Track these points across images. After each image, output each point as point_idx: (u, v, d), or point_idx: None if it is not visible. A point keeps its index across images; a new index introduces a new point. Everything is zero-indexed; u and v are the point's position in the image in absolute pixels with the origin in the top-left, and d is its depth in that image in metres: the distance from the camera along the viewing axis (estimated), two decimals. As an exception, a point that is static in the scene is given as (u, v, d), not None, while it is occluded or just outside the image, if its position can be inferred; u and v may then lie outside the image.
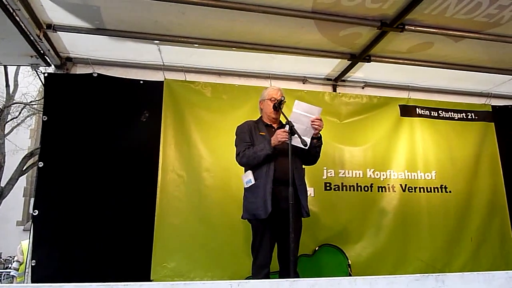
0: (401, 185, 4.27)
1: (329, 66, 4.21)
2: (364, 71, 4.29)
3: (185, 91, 4.00)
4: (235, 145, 3.20)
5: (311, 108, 3.08)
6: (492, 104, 4.83)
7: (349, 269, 3.87)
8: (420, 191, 4.29)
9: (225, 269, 3.66)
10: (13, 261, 6.24)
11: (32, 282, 3.32)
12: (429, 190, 4.33)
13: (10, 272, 7.34)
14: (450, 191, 4.39)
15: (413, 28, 3.40)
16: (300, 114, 3.01)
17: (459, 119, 4.68)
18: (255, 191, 2.95)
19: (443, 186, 4.38)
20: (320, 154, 3.23)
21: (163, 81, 3.95)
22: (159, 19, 3.33)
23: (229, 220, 3.71)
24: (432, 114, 4.59)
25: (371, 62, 3.98)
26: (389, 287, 1.50)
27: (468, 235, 4.34)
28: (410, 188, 4.28)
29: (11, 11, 2.94)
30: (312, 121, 3.02)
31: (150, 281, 3.44)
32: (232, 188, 3.77)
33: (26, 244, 4.67)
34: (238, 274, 3.54)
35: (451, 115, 4.67)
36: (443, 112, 4.65)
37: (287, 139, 2.88)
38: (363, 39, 3.65)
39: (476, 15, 3.27)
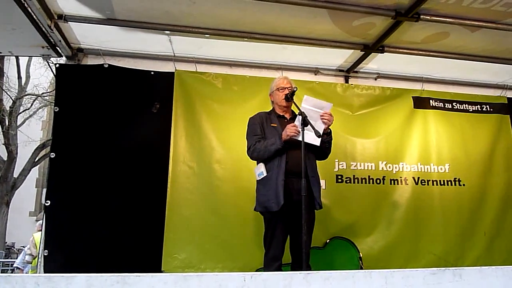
0: (413, 178, 4.21)
1: (341, 57, 4.15)
2: (377, 62, 4.22)
3: (196, 82, 3.97)
4: (246, 138, 3.18)
5: (321, 103, 3.03)
6: (508, 96, 4.73)
7: (361, 262, 3.84)
8: (433, 184, 4.23)
9: (235, 261, 3.66)
10: (26, 254, 6.26)
11: (45, 272, 3.36)
12: (442, 183, 4.26)
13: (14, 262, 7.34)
14: (463, 184, 4.32)
15: (428, 17, 3.33)
16: (309, 109, 2.96)
17: (473, 111, 4.59)
18: (267, 184, 2.94)
19: (456, 179, 4.31)
20: (332, 147, 3.20)
21: (173, 72, 3.93)
22: (170, 9, 3.30)
23: (240, 211, 3.71)
24: (446, 106, 4.51)
25: (385, 53, 3.91)
26: (405, 281, 1.47)
27: (482, 229, 4.27)
28: (423, 181, 4.22)
29: (22, 1, 2.93)
30: (321, 115, 2.97)
31: (161, 271, 3.46)
32: (243, 180, 3.75)
33: (38, 236, 4.71)
34: (249, 265, 3.55)
35: (465, 107, 4.58)
36: (458, 104, 4.56)
37: (296, 135, 2.85)
38: (377, 29, 3.59)
39: (494, 4, 3.19)
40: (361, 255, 3.87)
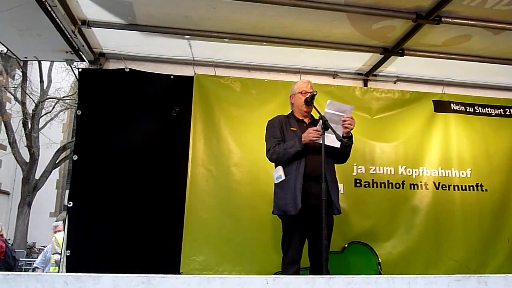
0: (434, 182, 4.14)
1: (360, 60, 4.13)
2: (397, 65, 4.18)
3: (214, 86, 4.01)
4: (266, 140, 3.19)
5: (342, 106, 3.03)
6: (531, 100, 4.62)
7: (379, 267, 3.80)
8: (454, 189, 4.15)
9: (253, 264, 3.67)
10: (53, 253, 6.41)
11: (67, 272, 3.43)
12: (463, 188, 4.17)
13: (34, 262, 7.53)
14: (486, 190, 4.22)
15: (450, 20, 3.27)
16: (333, 113, 2.97)
17: (496, 115, 4.49)
18: (285, 187, 2.93)
19: (478, 185, 4.22)
20: (350, 152, 3.18)
21: (193, 76, 3.97)
22: (190, 14, 3.34)
23: (257, 215, 3.71)
24: (467, 110, 4.42)
25: (405, 56, 3.87)
26: (428, 287, 1.45)
27: (505, 236, 4.17)
28: (443, 186, 4.14)
29: (48, 7, 3.02)
30: (343, 120, 2.97)
31: (180, 273, 3.49)
32: (260, 183, 3.76)
33: (60, 236, 4.82)
34: (266, 269, 3.55)
35: (487, 110, 4.48)
36: (479, 108, 4.47)
37: (318, 139, 2.84)
38: (397, 32, 3.56)
39: (518, 6, 3.12)
40: (380, 260, 3.83)
